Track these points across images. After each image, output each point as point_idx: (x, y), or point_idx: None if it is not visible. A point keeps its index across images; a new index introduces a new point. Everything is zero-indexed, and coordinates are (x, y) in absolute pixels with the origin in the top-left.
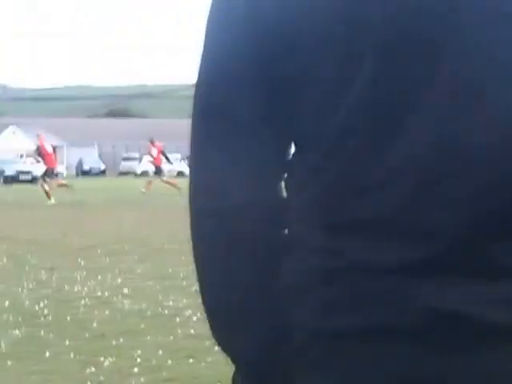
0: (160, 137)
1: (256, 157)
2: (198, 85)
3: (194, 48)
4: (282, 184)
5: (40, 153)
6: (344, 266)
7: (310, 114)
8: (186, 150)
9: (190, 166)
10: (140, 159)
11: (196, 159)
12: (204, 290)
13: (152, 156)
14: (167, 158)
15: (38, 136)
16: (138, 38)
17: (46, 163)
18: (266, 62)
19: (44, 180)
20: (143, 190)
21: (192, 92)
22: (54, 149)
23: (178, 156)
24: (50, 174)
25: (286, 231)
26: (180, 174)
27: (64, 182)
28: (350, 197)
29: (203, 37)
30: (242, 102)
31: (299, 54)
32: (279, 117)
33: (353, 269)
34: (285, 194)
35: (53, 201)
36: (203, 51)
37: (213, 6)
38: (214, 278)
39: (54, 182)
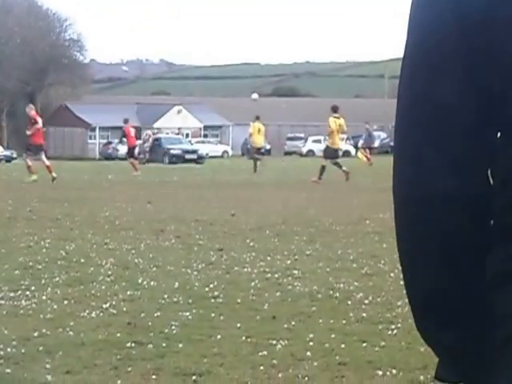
0: (326, 117)
1: (462, 144)
2: (403, 67)
3: (358, 23)
4: (489, 172)
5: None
6: None
7: None
8: (354, 130)
9: (394, 154)
10: (306, 139)
11: (401, 147)
12: (408, 282)
13: (127, 137)
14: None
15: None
16: (300, 15)
17: (31, 138)
18: (476, 43)
19: (27, 154)
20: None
21: (359, 71)
22: (43, 124)
23: (344, 136)
24: (34, 149)
25: (492, 221)
26: (346, 153)
27: (48, 163)
28: None
29: (408, 14)
30: (449, 88)
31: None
32: (487, 102)
33: None
34: (491, 182)
35: (35, 177)
36: (408, 30)
37: None
38: (418, 270)
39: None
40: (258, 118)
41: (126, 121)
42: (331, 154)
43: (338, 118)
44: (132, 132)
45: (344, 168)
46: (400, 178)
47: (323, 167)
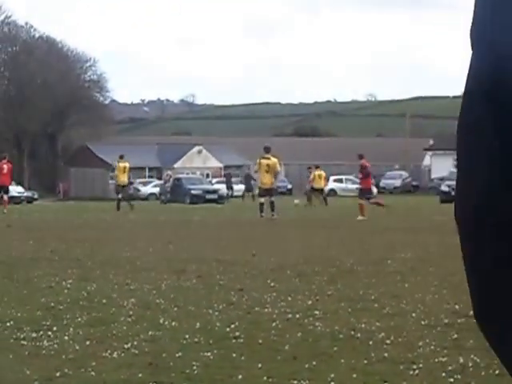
0: (347, 156)
1: (491, 167)
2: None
3: (378, 62)
4: None
5: None
6: None
7: None
8: (375, 170)
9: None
10: (327, 179)
11: (457, 170)
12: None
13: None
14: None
15: None
16: (321, 55)
17: None
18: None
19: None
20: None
21: (380, 110)
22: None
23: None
24: None
25: None
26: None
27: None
28: None
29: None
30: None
31: None
32: None
33: None
34: None
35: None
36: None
37: None
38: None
39: None
40: (121, 158)
41: (3, 157)
42: (261, 192)
43: (268, 158)
44: (5, 169)
45: (262, 214)
46: (456, 197)
47: (261, 204)
